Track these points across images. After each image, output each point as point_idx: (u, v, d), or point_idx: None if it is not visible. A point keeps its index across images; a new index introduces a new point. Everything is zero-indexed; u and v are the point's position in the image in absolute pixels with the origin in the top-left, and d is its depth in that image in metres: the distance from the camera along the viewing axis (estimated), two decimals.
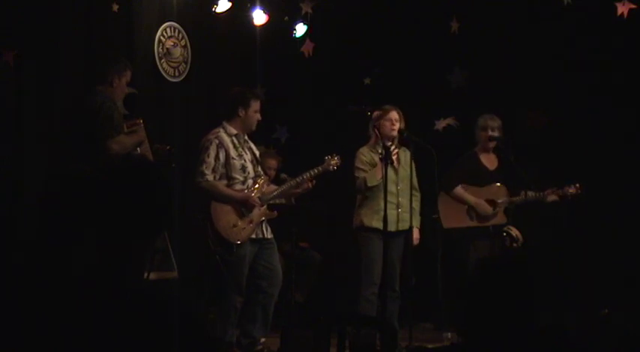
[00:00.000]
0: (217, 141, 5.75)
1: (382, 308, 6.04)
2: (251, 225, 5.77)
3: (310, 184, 5.96)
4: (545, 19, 7.15)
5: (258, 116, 5.88)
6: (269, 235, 5.90)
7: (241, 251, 5.73)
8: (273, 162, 6.93)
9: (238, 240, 5.70)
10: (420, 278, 6.28)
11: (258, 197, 5.81)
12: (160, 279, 5.51)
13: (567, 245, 7.08)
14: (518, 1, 7.19)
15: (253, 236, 5.79)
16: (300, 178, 5.97)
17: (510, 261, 2.50)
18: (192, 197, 5.95)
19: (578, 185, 6.37)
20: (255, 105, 5.85)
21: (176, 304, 1.94)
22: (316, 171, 5.97)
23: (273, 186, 6.05)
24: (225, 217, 5.71)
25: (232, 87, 6.27)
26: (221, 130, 5.82)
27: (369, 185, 6.17)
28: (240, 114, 5.83)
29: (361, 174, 6.21)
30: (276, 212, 5.92)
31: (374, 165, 6.19)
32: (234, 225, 5.71)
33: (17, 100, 5.94)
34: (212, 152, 5.72)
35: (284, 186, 6.04)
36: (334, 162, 6.01)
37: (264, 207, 5.84)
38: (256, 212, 5.79)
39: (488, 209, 6.46)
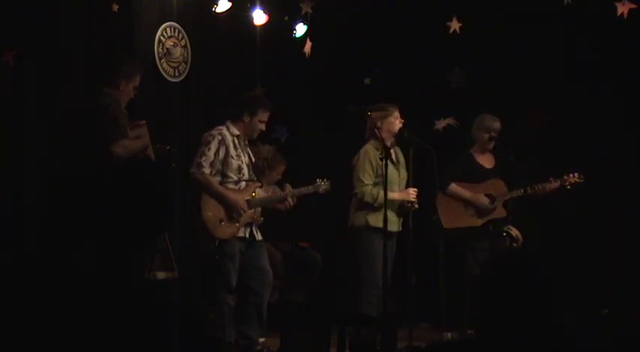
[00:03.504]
0: (220, 138, 5.80)
1: (383, 308, 6.03)
2: (237, 225, 5.80)
3: (291, 202, 6.15)
4: (545, 19, 7.15)
5: (262, 126, 5.97)
6: (259, 237, 5.94)
7: (229, 249, 5.75)
8: (282, 168, 6.96)
9: (221, 237, 5.74)
10: (420, 278, 6.27)
11: (247, 200, 5.85)
12: (160, 279, 5.51)
13: (567, 244, 7.08)
14: (519, 1, 7.18)
15: (242, 235, 5.82)
16: (288, 193, 6.25)
17: (523, 260, 2.49)
18: (192, 197, 5.94)
19: (578, 174, 6.37)
20: (263, 115, 5.92)
21: (176, 304, 1.94)
22: (304, 190, 6.25)
23: (262, 194, 6.09)
24: (214, 211, 5.75)
25: (253, 90, 6.43)
26: (224, 129, 5.87)
27: (365, 199, 6.18)
28: (245, 120, 5.89)
29: (361, 188, 6.20)
30: (262, 218, 5.98)
31: (378, 170, 6.18)
32: (221, 221, 5.75)
33: (17, 100, 5.94)
34: (213, 147, 5.77)
35: (272, 196, 6.28)
36: (324, 186, 6.25)
37: (253, 210, 5.87)
38: (244, 214, 5.84)
39: (485, 201, 6.46)
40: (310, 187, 6.29)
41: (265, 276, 5.90)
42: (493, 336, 2.35)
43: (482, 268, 2.47)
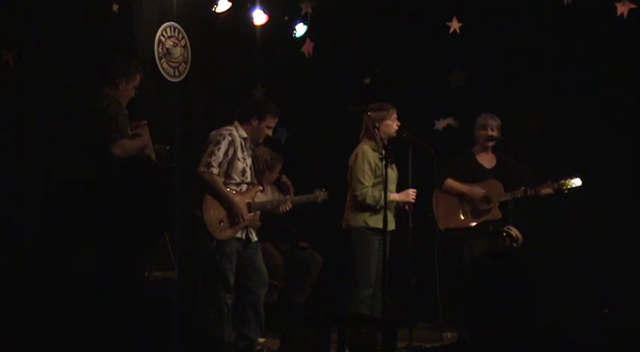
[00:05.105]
0: (230, 139, 5.82)
1: (383, 308, 6.03)
2: (235, 227, 5.81)
3: (288, 207, 6.23)
4: (545, 19, 7.15)
5: (269, 132, 6.01)
6: (254, 239, 5.97)
7: (226, 249, 5.78)
8: (279, 166, 6.99)
9: (220, 237, 5.76)
10: (419, 278, 6.27)
11: (248, 203, 5.86)
12: (160, 279, 5.51)
13: (567, 245, 7.08)
14: (519, 1, 7.19)
15: (239, 236, 5.85)
16: (288, 199, 6.38)
17: (506, 257, 2.50)
18: (193, 196, 5.95)
19: (575, 179, 6.37)
20: (271, 121, 5.94)
21: (176, 304, 1.94)
22: (304, 199, 6.43)
23: (262, 197, 6.15)
24: (215, 211, 5.77)
25: (253, 90, 6.46)
26: (234, 130, 5.87)
27: (367, 202, 6.16)
28: (253, 124, 5.91)
29: (362, 190, 6.15)
30: (260, 222, 6.03)
31: (377, 171, 6.16)
32: (221, 222, 5.76)
33: (17, 100, 5.94)
34: (223, 147, 5.78)
35: (272, 200, 6.37)
36: (322, 196, 6.43)
37: (252, 214, 5.89)
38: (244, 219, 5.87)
39: (480, 192, 6.46)
40: (309, 196, 6.45)
41: (261, 276, 5.92)
42: (483, 337, 2.35)
43: (468, 268, 2.47)
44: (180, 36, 7.18)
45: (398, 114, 6.26)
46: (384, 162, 5.92)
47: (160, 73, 7.01)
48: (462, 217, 6.52)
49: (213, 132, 5.89)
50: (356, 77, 7.85)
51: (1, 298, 1.91)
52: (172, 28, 7.13)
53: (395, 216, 6.27)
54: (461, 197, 6.55)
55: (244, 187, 5.91)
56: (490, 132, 6.56)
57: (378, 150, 6.17)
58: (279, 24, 7.51)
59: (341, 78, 7.79)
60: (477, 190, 6.48)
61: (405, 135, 6.13)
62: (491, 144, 6.60)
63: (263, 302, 5.94)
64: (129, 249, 1.98)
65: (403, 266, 6.16)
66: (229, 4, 7.13)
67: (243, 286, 5.85)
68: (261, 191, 6.16)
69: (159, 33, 7.01)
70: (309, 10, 7.35)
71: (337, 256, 7.23)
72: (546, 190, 6.38)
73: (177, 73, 7.16)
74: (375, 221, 6.11)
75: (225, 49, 7.63)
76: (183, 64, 7.21)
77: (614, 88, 7.10)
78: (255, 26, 7.35)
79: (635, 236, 6.91)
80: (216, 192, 5.78)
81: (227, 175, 5.82)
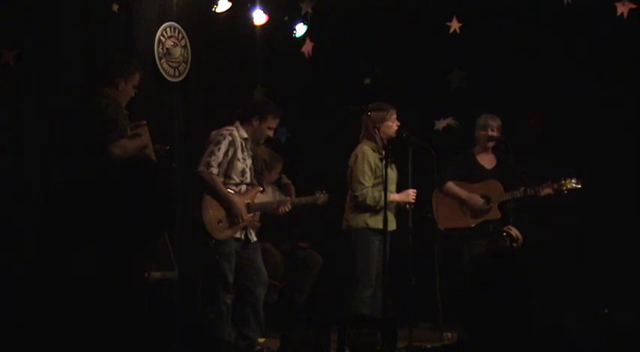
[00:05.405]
0: (230, 139, 5.83)
1: (383, 308, 6.03)
2: (234, 227, 5.82)
3: (287, 209, 6.25)
4: (545, 19, 7.15)
5: (270, 133, 6.02)
6: (253, 239, 5.97)
7: (225, 249, 5.79)
8: (280, 166, 7.01)
9: (218, 237, 5.77)
10: (419, 278, 6.27)
11: (247, 203, 5.86)
12: (159, 279, 5.51)
13: (567, 245, 7.08)
14: (519, 1, 7.19)
15: (237, 235, 5.85)
16: (286, 199, 6.44)
17: (506, 257, 2.50)
18: (193, 196, 5.95)
19: (574, 179, 6.37)
20: (272, 122, 5.95)
21: (176, 304, 1.94)
22: (304, 200, 6.50)
23: (262, 197, 6.15)
24: (214, 210, 5.78)
25: (253, 90, 6.53)
26: (234, 130, 5.87)
27: (367, 202, 6.16)
28: (254, 124, 5.91)
29: (362, 191, 6.15)
30: (259, 223, 6.04)
31: (377, 171, 6.16)
32: (220, 222, 5.76)
33: (17, 100, 5.94)
34: (223, 147, 5.78)
35: (272, 202, 6.38)
36: (322, 199, 6.47)
37: (251, 215, 5.90)
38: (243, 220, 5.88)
39: (479, 201, 6.46)
40: (309, 198, 6.48)
41: (260, 276, 5.92)
42: (483, 337, 2.35)
43: (468, 268, 2.47)
44: (180, 36, 7.18)
45: (398, 114, 6.26)
46: (384, 163, 5.92)
47: (160, 73, 7.00)
48: (462, 217, 6.53)
49: (214, 132, 5.89)
50: (356, 77, 7.85)
51: (1, 298, 1.91)
52: (172, 28, 7.13)
53: (396, 216, 6.27)
54: (460, 201, 6.56)
55: (243, 188, 5.91)
56: (490, 133, 6.56)
57: (378, 151, 6.16)
58: (279, 24, 7.50)
59: (341, 78, 7.79)
60: (477, 199, 6.48)
61: (405, 135, 6.13)
62: (491, 144, 6.60)
63: (263, 302, 5.94)
64: (129, 249, 1.98)
65: (403, 266, 6.16)
66: (229, 4, 7.13)
67: (243, 286, 5.85)
68: (262, 191, 6.15)
69: (159, 33, 7.00)
70: (309, 10, 7.35)
71: (337, 256, 7.23)
72: (546, 190, 6.38)
73: (177, 73, 7.16)
74: (376, 221, 6.11)
75: (225, 49, 7.62)
76: (183, 64, 7.21)
77: (614, 87, 7.10)
78: (255, 26, 7.35)
79: (635, 236, 6.91)
80: (215, 192, 5.79)
81: (226, 175, 5.83)
